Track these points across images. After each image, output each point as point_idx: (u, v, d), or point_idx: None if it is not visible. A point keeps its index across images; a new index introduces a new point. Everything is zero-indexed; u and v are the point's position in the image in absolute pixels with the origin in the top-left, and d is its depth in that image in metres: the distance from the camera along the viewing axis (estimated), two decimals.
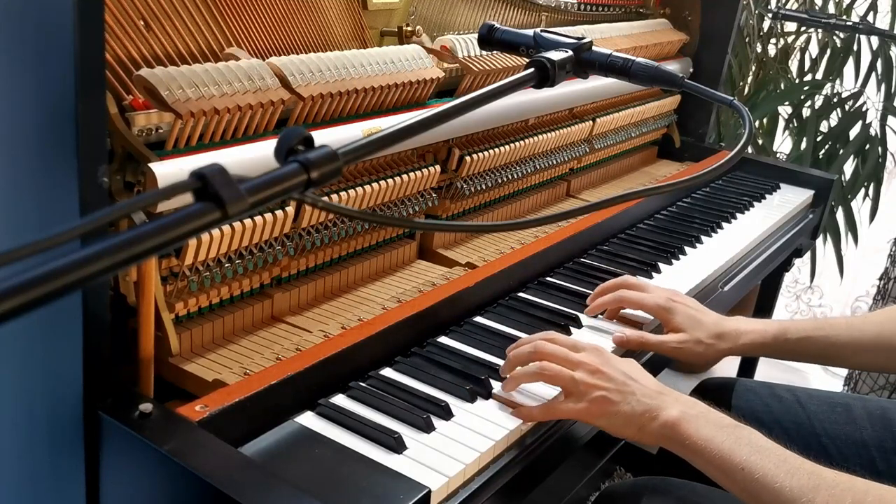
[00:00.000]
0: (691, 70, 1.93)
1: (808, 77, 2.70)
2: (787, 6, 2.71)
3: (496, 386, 0.96)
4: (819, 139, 2.56)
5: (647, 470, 1.33)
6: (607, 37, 1.62)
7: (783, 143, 2.75)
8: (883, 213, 2.58)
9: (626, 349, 1.11)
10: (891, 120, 2.55)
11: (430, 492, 0.76)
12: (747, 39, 2.57)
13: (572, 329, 1.12)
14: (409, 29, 1.22)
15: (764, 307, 2.00)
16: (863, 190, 2.56)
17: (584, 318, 1.16)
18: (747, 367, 2.02)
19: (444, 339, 1.05)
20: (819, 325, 1.16)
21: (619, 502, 1.12)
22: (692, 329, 1.11)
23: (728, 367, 2.41)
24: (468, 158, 1.25)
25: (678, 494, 1.06)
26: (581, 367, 0.92)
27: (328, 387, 0.91)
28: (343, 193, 1.04)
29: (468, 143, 1.29)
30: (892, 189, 2.89)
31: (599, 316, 1.18)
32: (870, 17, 2.60)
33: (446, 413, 0.89)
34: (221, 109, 0.87)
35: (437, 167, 1.19)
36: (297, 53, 1.01)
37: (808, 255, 2.07)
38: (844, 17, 2.55)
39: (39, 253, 0.39)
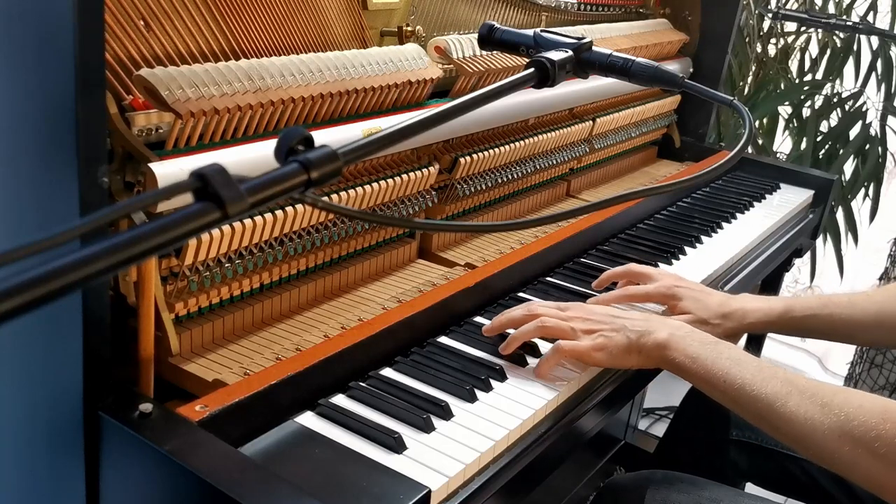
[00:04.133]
0: (691, 70, 1.93)
1: (808, 77, 2.70)
2: (787, 6, 2.71)
3: (496, 385, 0.96)
4: (819, 139, 2.57)
5: (647, 469, 1.33)
6: (607, 37, 1.62)
7: (783, 143, 2.75)
8: (883, 213, 2.59)
9: None
10: (891, 120, 2.55)
11: (430, 492, 0.76)
12: (747, 39, 2.57)
13: None
14: (409, 29, 1.22)
15: None
16: (863, 190, 2.56)
17: None
18: None
19: (444, 339, 1.05)
20: (823, 302, 1.19)
21: (621, 494, 1.12)
22: (697, 311, 1.14)
23: None
24: (467, 159, 1.25)
25: (679, 486, 1.07)
26: (573, 319, 1.02)
27: (328, 387, 0.91)
28: (343, 193, 1.04)
29: (467, 144, 1.29)
30: (892, 189, 2.89)
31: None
32: (870, 17, 2.60)
33: (446, 413, 0.89)
34: (221, 109, 0.87)
35: (437, 167, 1.19)
36: (297, 53, 1.01)
37: (808, 255, 2.07)
38: (844, 17, 2.55)
39: (39, 253, 0.39)
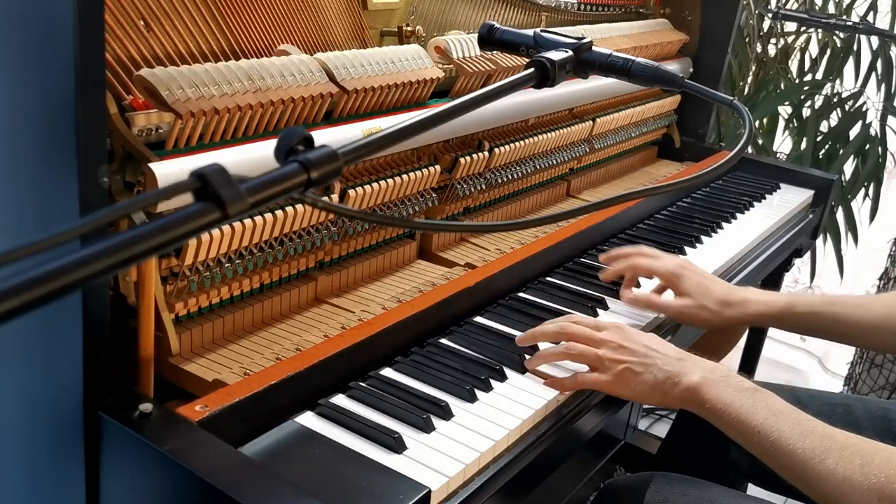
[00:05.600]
0: (691, 70, 1.93)
1: (808, 77, 2.70)
2: (787, 6, 2.71)
3: (496, 385, 0.96)
4: (819, 139, 2.57)
5: (647, 470, 1.33)
6: (607, 37, 1.62)
7: (783, 143, 2.75)
8: (883, 213, 2.58)
9: (633, 307, 1.18)
10: (891, 120, 2.55)
11: (430, 492, 0.76)
12: (747, 39, 2.57)
13: None
14: (409, 29, 1.22)
15: None
16: (863, 190, 2.56)
17: None
18: (748, 366, 2.03)
19: (444, 340, 1.05)
20: (828, 301, 1.18)
21: (621, 496, 1.12)
22: (699, 295, 1.14)
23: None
24: (467, 158, 1.25)
25: (679, 489, 1.07)
26: (605, 344, 0.98)
27: (328, 387, 0.91)
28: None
29: (468, 144, 1.29)
30: (892, 189, 2.89)
31: (610, 310, 1.20)
32: (870, 17, 2.60)
33: (446, 413, 0.89)
34: (221, 109, 0.87)
35: (437, 167, 1.19)
36: (297, 53, 1.01)
37: (808, 255, 2.08)
38: (844, 17, 2.55)
39: (39, 253, 0.39)
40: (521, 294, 1.20)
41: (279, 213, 0.95)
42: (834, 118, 2.60)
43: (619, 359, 0.96)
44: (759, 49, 2.67)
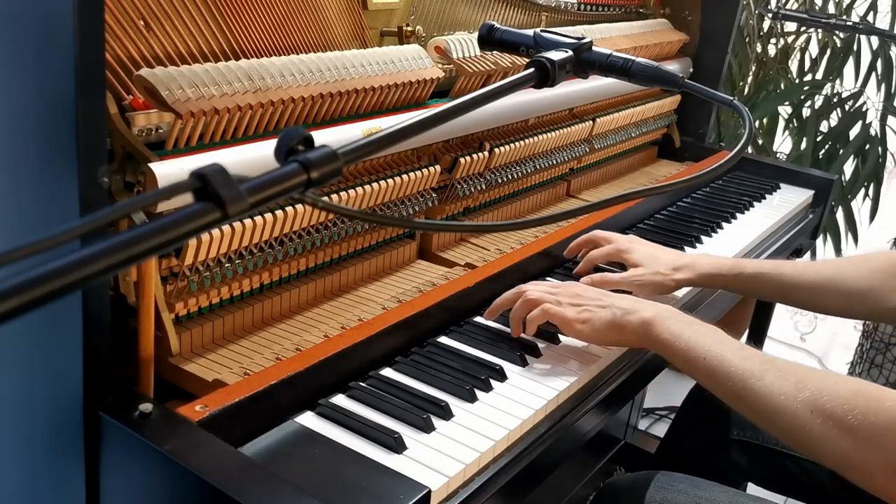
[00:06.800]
0: (691, 70, 1.93)
1: (808, 77, 2.70)
2: (787, 6, 2.71)
3: (496, 385, 0.96)
4: (819, 139, 2.57)
5: (647, 469, 1.33)
6: (607, 37, 1.62)
7: (783, 143, 2.75)
8: (883, 213, 2.59)
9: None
10: (891, 120, 2.55)
11: (430, 492, 0.76)
12: (747, 39, 2.57)
13: None
14: (409, 29, 1.22)
15: (763, 307, 2.00)
16: (863, 190, 2.56)
17: None
18: None
19: (444, 339, 1.05)
20: (777, 264, 1.23)
21: (621, 495, 1.12)
22: (650, 263, 1.21)
23: None
24: (467, 159, 1.25)
25: (679, 488, 1.07)
26: (562, 294, 1.06)
27: (328, 387, 0.91)
28: (343, 193, 1.04)
29: (467, 144, 1.29)
30: (892, 189, 2.89)
31: None
32: (870, 17, 2.60)
33: (446, 413, 0.89)
34: (221, 109, 0.87)
35: (437, 167, 1.19)
36: (297, 53, 1.01)
37: (808, 255, 2.08)
38: (844, 17, 2.55)
39: (39, 253, 0.39)
40: None
41: (279, 213, 0.95)
42: (834, 118, 2.60)
43: (576, 303, 1.03)
44: (759, 49, 2.67)
